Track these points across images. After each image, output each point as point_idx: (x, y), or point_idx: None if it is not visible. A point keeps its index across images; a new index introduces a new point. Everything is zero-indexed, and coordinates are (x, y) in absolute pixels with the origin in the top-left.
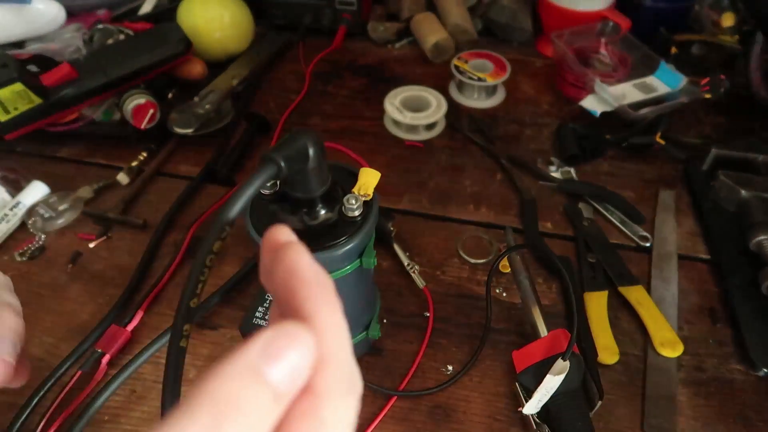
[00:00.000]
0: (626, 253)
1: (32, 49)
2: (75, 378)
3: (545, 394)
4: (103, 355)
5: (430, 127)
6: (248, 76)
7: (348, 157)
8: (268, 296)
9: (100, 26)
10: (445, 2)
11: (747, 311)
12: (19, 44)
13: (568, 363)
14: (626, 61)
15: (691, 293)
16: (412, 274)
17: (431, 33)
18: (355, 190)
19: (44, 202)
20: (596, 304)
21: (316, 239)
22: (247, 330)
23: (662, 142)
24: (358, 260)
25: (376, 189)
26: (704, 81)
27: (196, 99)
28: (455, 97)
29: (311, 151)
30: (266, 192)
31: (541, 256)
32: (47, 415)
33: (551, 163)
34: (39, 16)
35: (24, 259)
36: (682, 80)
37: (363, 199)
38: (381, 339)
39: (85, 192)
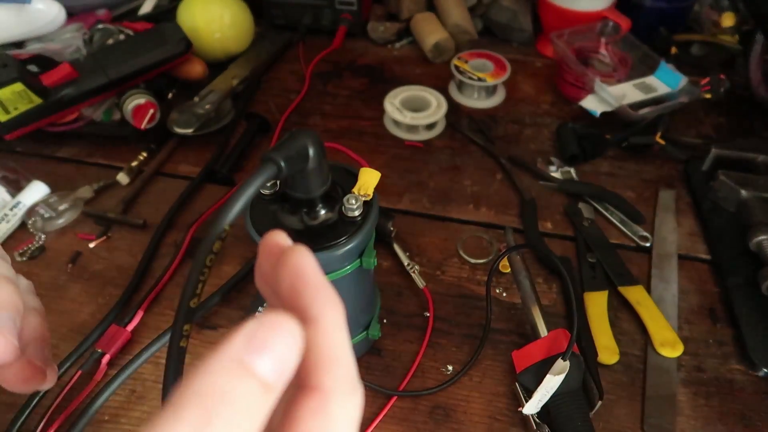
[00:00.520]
0: (626, 253)
1: (32, 49)
2: (75, 378)
3: (545, 394)
4: (103, 355)
5: (430, 127)
6: (248, 76)
7: (348, 157)
8: None
9: (100, 26)
10: (445, 2)
11: (747, 311)
12: (19, 44)
13: (568, 363)
14: (626, 61)
15: (691, 293)
16: (412, 274)
17: (431, 33)
18: (355, 190)
19: (44, 202)
20: (596, 304)
21: (316, 239)
22: None
23: (662, 142)
24: (358, 260)
25: (376, 189)
26: (704, 81)
27: (196, 99)
28: (455, 97)
29: (311, 151)
30: (266, 192)
31: (541, 256)
32: (47, 415)
33: (551, 163)
34: (39, 16)
35: (24, 259)
36: (682, 80)
37: (363, 199)
38: (381, 339)
39: (85, 192)
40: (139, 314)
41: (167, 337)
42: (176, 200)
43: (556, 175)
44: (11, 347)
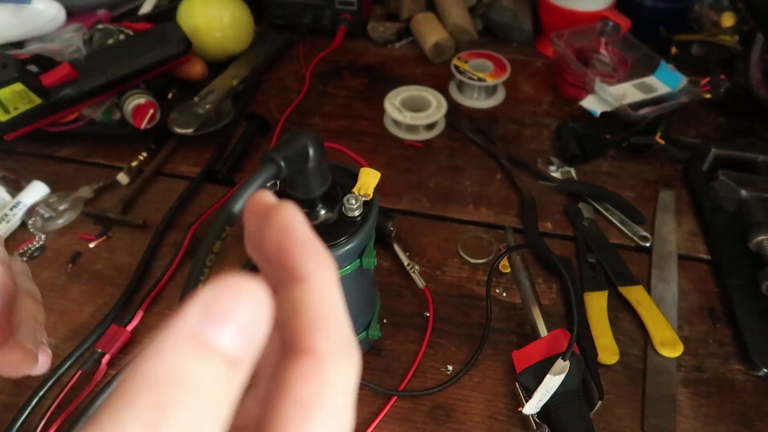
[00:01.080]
0: (626, 253)
1: (32, 49)
2: (75, 378)
3: (545, 394)
4: (103, 355)
5: (430, 127)
6: (248, 76)
7: (348, 157)
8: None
9: (100, 26)
10: (445, 2)
11: (747, 311)
12: (19, 44)
13: (568, 363)
14: (626, 61)
15: (691, 293)
16: (412, 274)
17: (431, 33)
18: (355, 190)
19: (44, 202)
20: (596, 304)
21: None
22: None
23: (662, 142)
24: (358, 260)
25: (376, 189)
26: (704, 81)
27: (196, 99)
28: (455, 97)
29: (311, 151)
30: None
31: (541, 256)
32: (47, 415)
33: (551, 163)
34: (39, 16)
35: (24, 259)
36: (682, 80)
37: (363, 199)
38: (381, 339)
39: (85, 192)
40: (139, 314)
41: None
42: (176, 200)
43: (556, 175)
44: None
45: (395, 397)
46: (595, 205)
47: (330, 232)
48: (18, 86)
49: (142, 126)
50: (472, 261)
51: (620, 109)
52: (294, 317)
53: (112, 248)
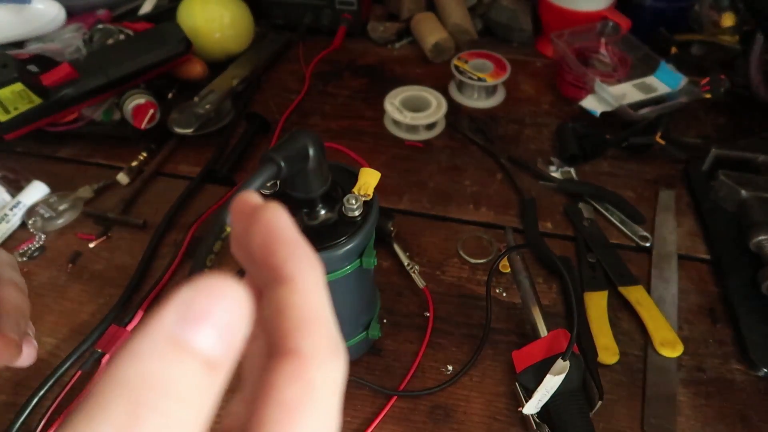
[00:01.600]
0: (626, 253)
1: (32, 49)
2: (75, 378)
3: (545, 394)
4: (103, 355)
5: (430, 127)
6: (248, 76)
7: (348, 157)
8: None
9: (100, 26)
10: (445, 2)
11: (747, 311)
12: (19, 44)
13: (568, 363)
14: (626, 61)
15: (691, 293)
16: (412, 274)
17: (431, 33)
18: (355, 190)
19: (44, 202)
20: (596, 304)
21: (316, 239)
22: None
23: (662, 142)
24: (358, 260)
25: (376, 189)
26: (704, 81)
27: (196, 99)
28: (455, 97)
29: (311, 151)
30: (266, 192)
31: (541, 256)
32: (47, 415)
33: (551, 163)
34: (39, 16)
35: (24, 259)
36: (682, 80)
37: (363, 199)
38: (381, 339)
39: (85, 192)
40: (139, 314)
41: None
42: (176, 200)
43: (556, 175)
44: None
45: (395, 397)
46: (595, 205)
47: (330, 232)
48: (18, 86)
49: (142, 126)
50: (472, 261)
51: (620, 109)
52: (279, 318)
53: (112, 248)
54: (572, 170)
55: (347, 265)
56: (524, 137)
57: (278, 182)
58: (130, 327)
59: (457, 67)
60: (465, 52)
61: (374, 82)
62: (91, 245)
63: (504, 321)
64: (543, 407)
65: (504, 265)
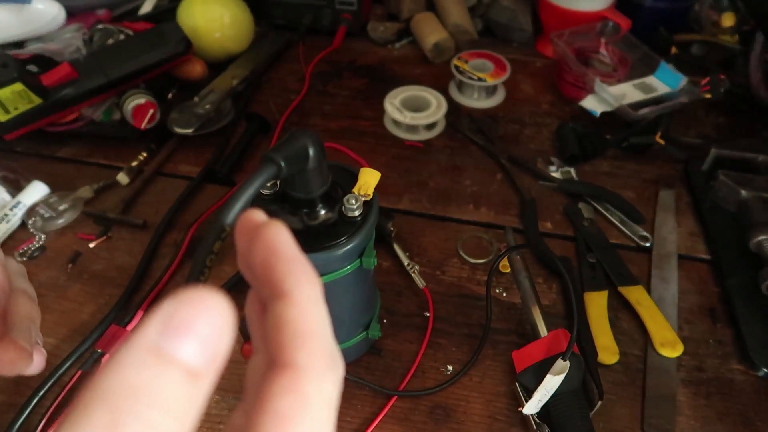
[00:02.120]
0: (626, 253)
1: (32, 49)
2: (75, 378)
3: (545, 394)
4: (103, 355)
5: (430, 127)
6: (248, 76)
7: (348, 157)
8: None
9: (100, 26)
10: (445, 2)
11: (747, 311)
12: (19, 44)
13: (568, 363)
14: (626, 61)
15: (691, 293)
16: (412, 274)
17: (431, 33)
18: (355, 190)
19: (44, 202)
20: (596, 304)
21: (316, 239)
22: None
23: (662, 142)
24: (358, 260)
25: (376, 189)
26: (704, 81)
27: (196, 99)
28: (455, 97)
29: (311, 151)
30: (266, 192)
31: (541, 256)
32: (47, 415)
33: (551, 163)
34: (39, 16)
35: (24, 259)
36: (682, 80)
37: (363, 199)
38: (381, 339)
39: (85, 192)
40: (139, 314)
41: None
42: (176, 200)
43: (556, 175)
44: None
45: (395, 397)
46: (595, 205)
47: (330, 232)
48: (18, 86)
49: (142, 126)
50: (472, 261)
51: (620, 109)
52: (276, 332)
53: (112, 248)
54: (572, 170)
55: (347, 265)
56: (524, 137)
57: (278, 182)
58: (130, 327)
59: (457, 67)
60: (465, 52)
61: (374, 82)
62: (91, 245)
63: (504, 321)
64: (543, 407)
65: (504, 265)
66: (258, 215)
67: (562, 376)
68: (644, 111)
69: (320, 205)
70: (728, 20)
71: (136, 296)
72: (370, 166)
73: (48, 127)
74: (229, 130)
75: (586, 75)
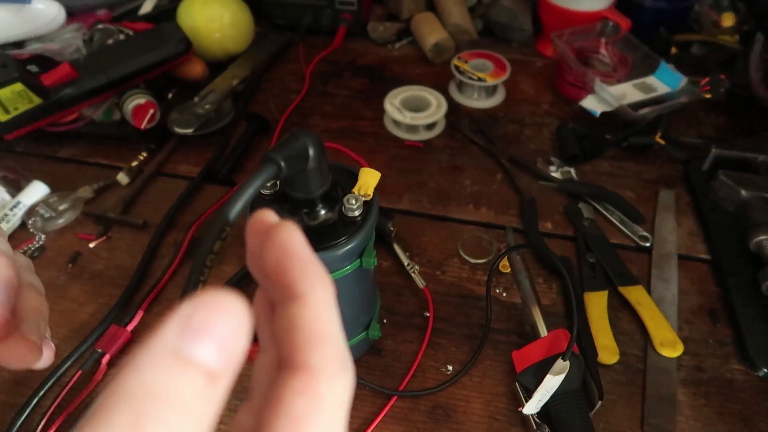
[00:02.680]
0: (626, 253)
1: (32, 49)
2: (75, 378)
3: (545, 394)
4: (103, 355)
5: (430, 127)
6: (248, 76)
7: (348, 157)
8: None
9: (100, 26)
10: (445, 2)
11: (747, 311)
12: (19, 44)
13: (568, 363)
14: (626, 61)
15: (691, 293)
16: (412, 274)
17: (431, 33)
18: (355, 190)
19: (44, 202)
20: (596, 304)
21: (316, 239)
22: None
23: (662, 142)
24: (358, 260)
25: (376, 189)
26: (704, 81)
27: (196, 99)
28: (455, 97)
29: (311, 151)
30: (266, 192)
31: (541, 256)
32: (47, 415)
33: (551, 163)
34: (39, 16)
35: None
36: (682, 80)
37: (363, 199)
38: (381, 339)
39: (85, 192)
40: (139, 314)
41: None
42: (176, 200)
43: (556, 175)
44: (2, 320)
45: (395, 397)
46: (595, 205)
47: (330, 232)
48: (18, 86)
49: (142, 126)
50: (472, 261)
51: (620, 109)
52: (290, 334)
53: (112, 248)
54: (572, 170)
55: (347, 265)
56: (524, 137)
57: (278, 182)
58: (130, 327)
59: (457, 67)
60: (465, 52)
61: (374, 82)
62: (91, 245)
63: (504, 321)
64: (543, 407)
65: (504, 265)
66: (270, 216)
67: (562, 376)
68: (644, 111)
69: (320, 205)
70: (728, 20)
71: (136, 296)
72: (370, 166)
73: (48, 127)
74: (229, 130)
75: (586, 75)
